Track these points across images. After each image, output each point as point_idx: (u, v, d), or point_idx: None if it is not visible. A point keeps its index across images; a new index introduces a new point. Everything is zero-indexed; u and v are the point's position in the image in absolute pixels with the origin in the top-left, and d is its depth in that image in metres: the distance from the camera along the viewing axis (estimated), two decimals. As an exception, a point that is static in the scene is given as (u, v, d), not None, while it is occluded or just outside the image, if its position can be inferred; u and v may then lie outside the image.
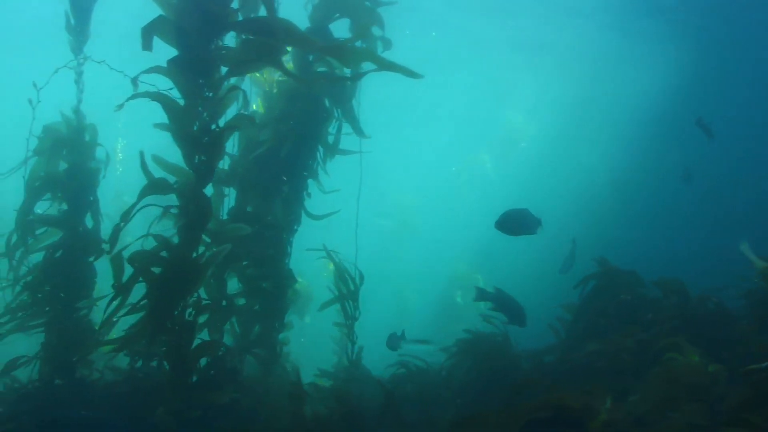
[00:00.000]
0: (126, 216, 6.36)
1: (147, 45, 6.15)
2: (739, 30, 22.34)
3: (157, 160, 6.65)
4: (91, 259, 7.86)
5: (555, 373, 7.40)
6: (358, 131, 8.20)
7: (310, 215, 8.63)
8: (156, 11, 6.27)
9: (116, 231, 6.40)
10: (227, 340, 8.22)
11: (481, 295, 8.68)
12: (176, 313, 6.35)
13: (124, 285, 6.35)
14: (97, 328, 7.83)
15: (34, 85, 7.39)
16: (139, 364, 7.32)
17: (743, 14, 21.25)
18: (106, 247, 6.60)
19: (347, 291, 9.19)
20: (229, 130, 6.41)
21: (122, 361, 7.58)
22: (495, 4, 22.78)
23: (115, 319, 6.54)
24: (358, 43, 6.70)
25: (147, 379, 7.33)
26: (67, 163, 7.98)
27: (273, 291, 8.54)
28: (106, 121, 8.42)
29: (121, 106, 6.66)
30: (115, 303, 6.43)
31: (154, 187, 6.36)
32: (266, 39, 5.85)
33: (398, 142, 35.53)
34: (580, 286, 8.93)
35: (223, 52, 6.19)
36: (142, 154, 6.42)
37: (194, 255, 6.42)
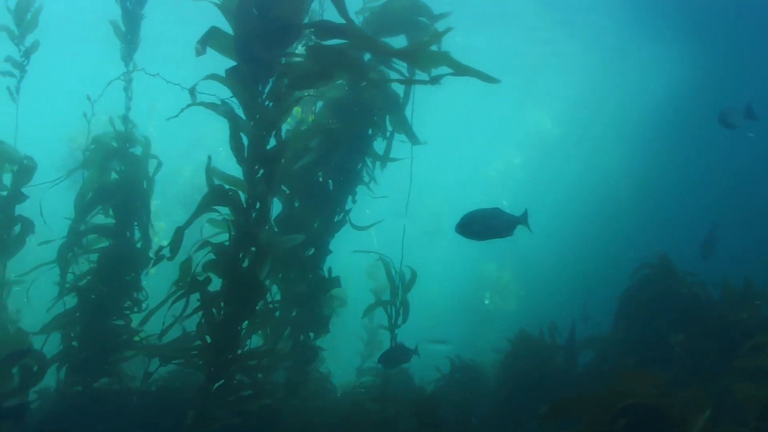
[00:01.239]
0: (188, 224, 6.35)
1: (200, 52, 6.11)
2: (756, 25, 22.18)
3: (214, 171, 6.55)
4: (145, 272, 7.92)
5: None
6: (413, 139, 8.05)
7: (355, 226, 8.48)
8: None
9: (179, 236, 6.36)
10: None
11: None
12: (239, 328, 6.33)
13: (189, 289, 6.36)
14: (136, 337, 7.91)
15: (88, 98, 7.41)
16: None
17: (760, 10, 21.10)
18: (166, 251, 6.53)
19: (392, 296, 8.84)
20: (294, 140, 6.33)
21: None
22: (512, 9, 22.70)
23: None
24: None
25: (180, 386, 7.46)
26: (116, 174, 8.00)
27: (316, 296, 8.43)
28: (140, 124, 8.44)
29: (176, 116, 6.65)
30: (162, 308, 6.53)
31: (217, 196, 6.30)
32: (340, 44, 5.74)
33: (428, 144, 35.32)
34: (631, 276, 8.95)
35: (295, 59, 6.11)
36: (209, 161, 6.38)
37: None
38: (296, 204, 8.25)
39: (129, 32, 7.62)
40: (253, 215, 6.40)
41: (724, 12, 21.35)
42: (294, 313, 8.28)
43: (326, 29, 5.81)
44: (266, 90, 6.20)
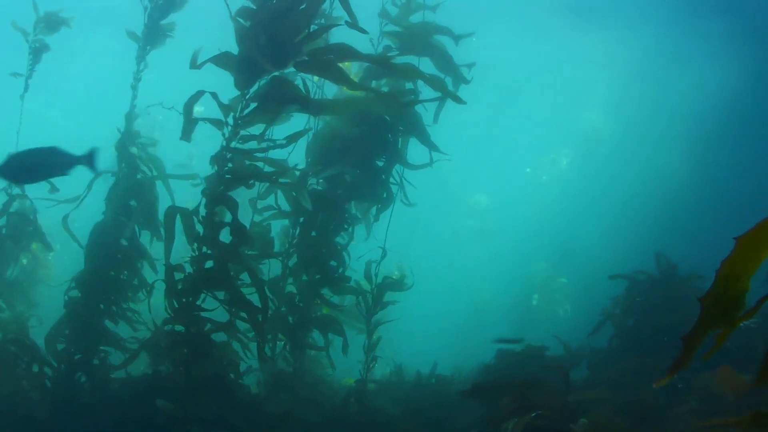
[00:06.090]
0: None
1: (198, 67, 6.05)
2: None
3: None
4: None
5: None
6: (430, 146, 7.71)
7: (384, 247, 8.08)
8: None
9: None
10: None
11: None
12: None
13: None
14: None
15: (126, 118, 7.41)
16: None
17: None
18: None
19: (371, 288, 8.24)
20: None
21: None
22: (566, 3, 22.29)
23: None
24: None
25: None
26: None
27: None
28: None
29: (188, 137, 6.44)
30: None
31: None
32: (328, 57, 5.82)
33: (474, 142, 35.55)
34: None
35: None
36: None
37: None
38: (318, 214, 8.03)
39: (147, 34, 7.43)
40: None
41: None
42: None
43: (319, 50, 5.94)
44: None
